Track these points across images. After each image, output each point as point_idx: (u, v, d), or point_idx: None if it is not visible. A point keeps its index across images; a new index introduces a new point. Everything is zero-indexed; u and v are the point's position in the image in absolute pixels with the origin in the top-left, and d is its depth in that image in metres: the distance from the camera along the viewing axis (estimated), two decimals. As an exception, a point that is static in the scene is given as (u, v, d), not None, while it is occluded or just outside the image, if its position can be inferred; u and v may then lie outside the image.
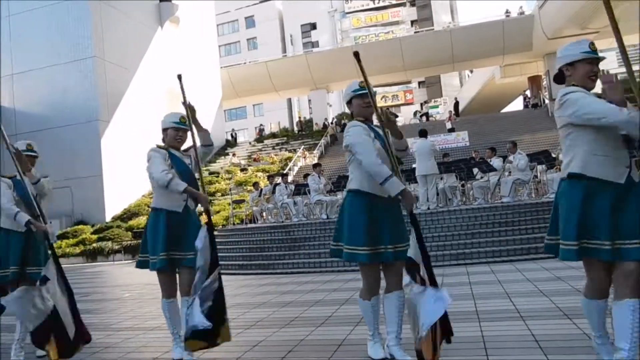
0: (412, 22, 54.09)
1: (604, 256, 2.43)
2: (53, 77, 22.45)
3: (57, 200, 21.55)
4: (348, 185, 3.25)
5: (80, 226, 20.64)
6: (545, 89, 33.15)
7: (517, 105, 45.43)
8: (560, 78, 2.71)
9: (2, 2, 23.16)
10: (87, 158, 21.53)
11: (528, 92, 36.22)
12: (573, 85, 2.58)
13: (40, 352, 4.11)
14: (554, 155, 11.56)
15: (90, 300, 7.72)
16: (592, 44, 2.58)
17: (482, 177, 11.93)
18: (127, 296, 7.85)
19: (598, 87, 2.59)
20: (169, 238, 3.57)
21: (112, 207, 21.55)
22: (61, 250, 18.60)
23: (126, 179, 21.22)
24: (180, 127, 3.75)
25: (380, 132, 3.15)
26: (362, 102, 3.23)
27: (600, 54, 2.62)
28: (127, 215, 21.43)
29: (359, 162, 3.06)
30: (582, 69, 2.58)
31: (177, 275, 3.68)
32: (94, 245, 18.92)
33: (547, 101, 29.93)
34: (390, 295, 3.16)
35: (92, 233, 19.97)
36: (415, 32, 41.86)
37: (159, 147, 3.77)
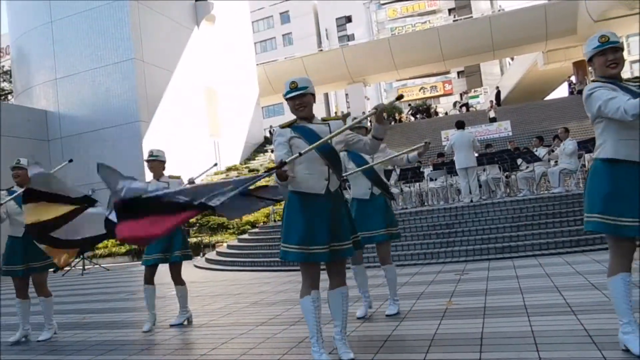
0: (450, 11, 53.18)
1: None
2: (95, 80, 23.05)
3: (103, 200, 22.12)
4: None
5: (126, 225, 21.15)
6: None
7: (561, 92, 44.13)
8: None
9: (45, 8, 23.94)
10: (129, 158, 22.02)
11: (573, 78, 35.03)
12: (596, 80, 2.91)
13: (42, 337, 4.97)
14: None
15: (137, 298, 7.89)
16: (601, 36, 2.86)
17: (527, 168, 11.64)
18: (173, 294, 7.98)
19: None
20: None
21: (156, 207, 21.92)
22: (107, 250, 19.17)
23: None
24: None
25: (317, 129, 3.24)
26: (292, 104, 3.27)
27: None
28: (171, 214, 21.81)
29: None
30: (598, 62, 2.90)
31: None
32: (139, 244, 19.38)
33: (593, 86, 28.86)
34: (334, 292, 3.28)
35: (138, 232, 20.41)
36: (453, 21, 41.12)
37: None
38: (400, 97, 3.32)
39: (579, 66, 33.92)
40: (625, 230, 2.74)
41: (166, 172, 5.39)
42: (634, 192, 2.72)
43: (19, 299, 5.09)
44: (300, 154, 3.00)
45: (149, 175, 5.15)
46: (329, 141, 3.16)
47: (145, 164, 5.35)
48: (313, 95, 3.31)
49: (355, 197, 4.65)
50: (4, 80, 36.33)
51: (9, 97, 33.96)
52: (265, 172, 3.05)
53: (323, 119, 3.40)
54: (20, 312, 5.08)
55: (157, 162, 5.26)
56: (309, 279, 3.20)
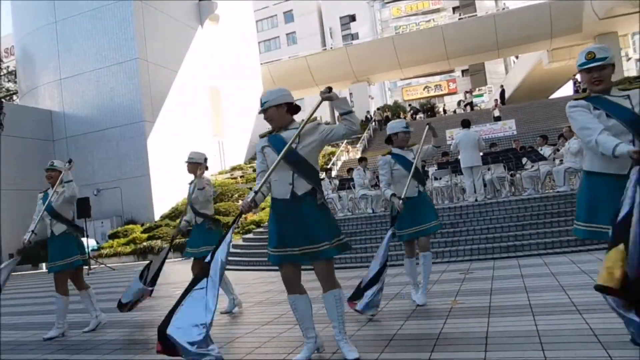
0: (454, 9, 53.09)
1: None
2: (99, 80, 23.12)
3: (108, 200, 22.30)
4: None
5: (131, 225, 21.21)
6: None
7: (566, 90, 43.89)
8: None
9: (49, 8, 24.02)
10: (134, 158, 22.11)
11: (578, 77, 34.82)
12: (577, 98, 2.99)
13: (48, 335, 4.99)
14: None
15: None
16: (588, 53, 2.88)
17: (531, 167, 11.59)
18: (178, 293, 8.00)
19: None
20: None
21: (160, 207, 22.03)
22: (113, 249, 19.22)
23: (172, 178, 21.34)
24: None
25: (286, 136, 3.32)
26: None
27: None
28: (175, 214, 21.77)
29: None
30: (584, 78, 2.98)
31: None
32: (144, 244, 19.44)
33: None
34: (326, 295, 3.34)
35: (142, 232, 20.52)
36: (458, 19, 41.03)
37: None
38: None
39: (584, 64, 33.74)
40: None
41: (175, 172, 5.55)
42: (614, 202, 2.77)
43: (79, 292, 5.40)
44: (256, 192, 3.25)
45: (154, 176, 5.28)
46: (294, 145, 3.27)
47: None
48: (278, 105, 3.36)
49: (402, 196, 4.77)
50: (9, 81, 36.50)
51: (14, 97, 34.12)
52: (233, 222, 3.33)
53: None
54: (84, 304, 5.43)
55: (191, 165, 5.67)
56: (285, 281, 3.37)
